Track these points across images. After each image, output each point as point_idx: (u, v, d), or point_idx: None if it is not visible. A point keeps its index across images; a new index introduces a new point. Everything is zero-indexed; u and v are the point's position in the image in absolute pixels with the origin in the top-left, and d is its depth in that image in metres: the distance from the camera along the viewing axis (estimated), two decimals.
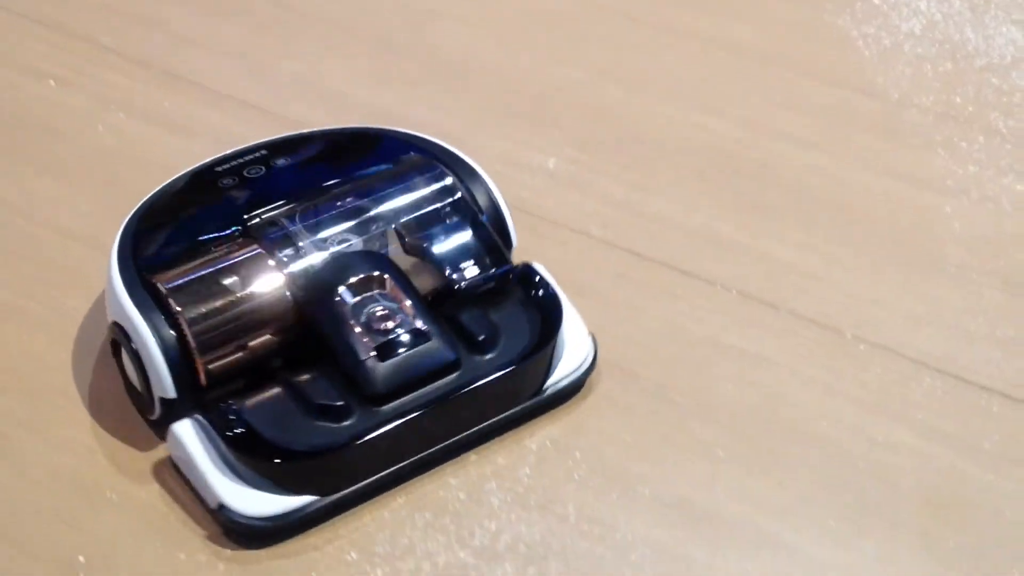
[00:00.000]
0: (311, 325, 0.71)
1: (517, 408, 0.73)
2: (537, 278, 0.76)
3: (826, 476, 0.71)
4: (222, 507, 0.68)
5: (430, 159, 0.79)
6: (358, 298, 0.72)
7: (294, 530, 0.68)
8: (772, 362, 0.77)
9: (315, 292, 0.71)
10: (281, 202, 0.76)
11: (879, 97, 0.96)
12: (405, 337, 0.71)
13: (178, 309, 0.69)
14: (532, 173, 0.90)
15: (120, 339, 0.71)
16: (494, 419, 0.72)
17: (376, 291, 0.72)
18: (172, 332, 0.69)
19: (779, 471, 0.72)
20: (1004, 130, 0.93)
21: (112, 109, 0.95)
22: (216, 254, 0.72)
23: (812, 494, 0.71)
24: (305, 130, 0.84)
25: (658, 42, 1.02)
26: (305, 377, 0.70)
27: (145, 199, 0.78)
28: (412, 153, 0.80)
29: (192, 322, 0.69)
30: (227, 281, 0.71)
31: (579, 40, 1.02)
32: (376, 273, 0.72)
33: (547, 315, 0.75)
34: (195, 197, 0.79)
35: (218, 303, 0.70)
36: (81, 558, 0.67)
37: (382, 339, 0.70)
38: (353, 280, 0.72)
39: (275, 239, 0.73)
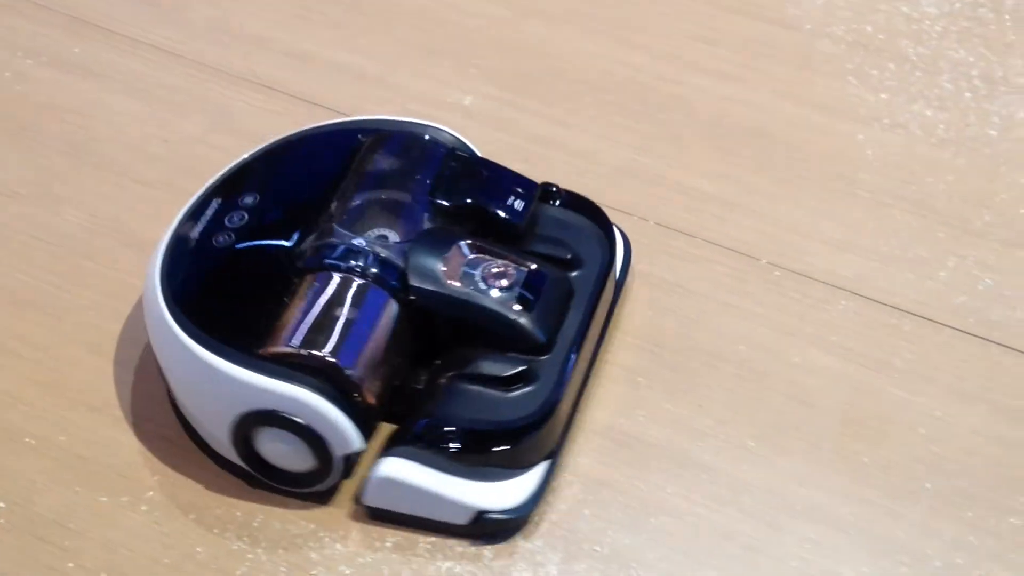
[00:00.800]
0: (435, 314, 0.69)
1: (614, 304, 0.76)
2: (554, 188, 0.77)
3: (744, 399, 0.73)
4: (481, 515, 0.67)
5: (393, 130, 0.77)
6: (461, 270, 0.70)
7: (539, 503, 0.69)
8: (689, 290, 0.79)
9: (422, 283, 0.69)
10: (299, 227, 0.72)
11: (793, 28, 0.97)
12: (527, 283, 0.70)
13: (331, 360, 0.65)
14: (451, 111, 0.90)
15: (264, 426, 0.66)
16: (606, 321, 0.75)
17: (469, 257, 0.71)
18: (330, 385, 0.65)
19: (698, 395, 0.73)
20: (914, 57, 0.94)
21: (19, 56, 0.94)
22: (300, 298, 0.68)
23: (730, 416, 0.72)
24: (243, 156, 0.78)
25: None
26: (466, 362, 0.69)
27: (158, 299, 0.70)
28: (367, 135, 0.77)
29: (343, 360, 0.66)
30: (334, 311, 0.67)
31: None
32: (459, 242, 0.71)
33: (589, 214, 0.76)
34: (206, 265, 0.72)
35: (344, 331, 0.67)
36: None
37: (512, 294, 0.69)
38: (445, 257, 0.70)
39: (337, 256, 0.69)
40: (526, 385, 0.68)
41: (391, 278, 0.69)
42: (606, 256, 0.74)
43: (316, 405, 0.65)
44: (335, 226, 0.71)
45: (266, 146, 0.79)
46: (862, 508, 0.69)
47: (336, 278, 0.68)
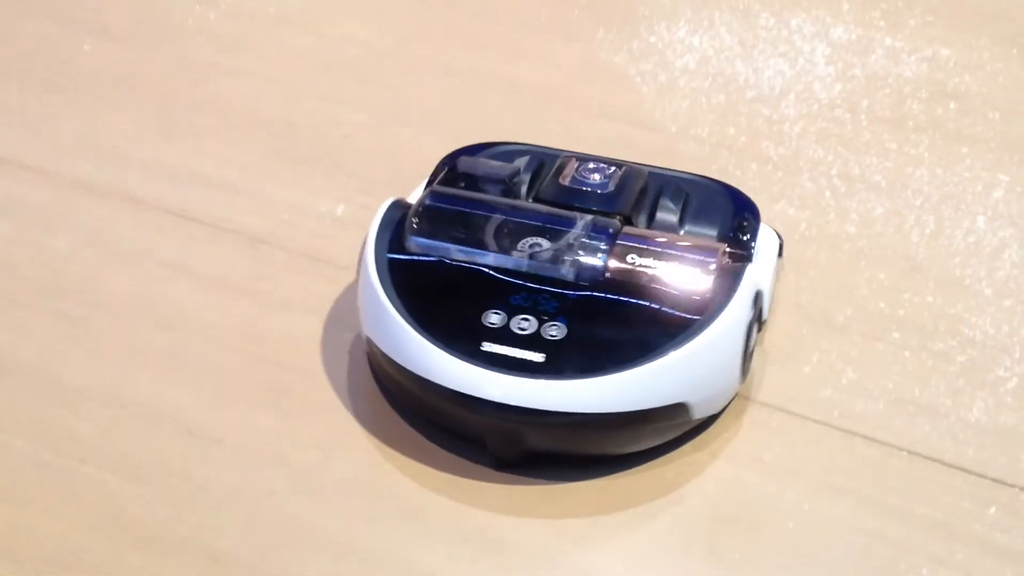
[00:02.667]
0: None
1: None
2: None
3: (613, 496, 0.73)
4: None
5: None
6: None
7: None
8: None
9: None
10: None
11: (658, 130, 0.99)
12: None
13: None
14: (321, 220, 0.91)
15: None
16: None
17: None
18: None
19: (570, 496, 0.74)
20: (775, 157, 0.97)
21: None
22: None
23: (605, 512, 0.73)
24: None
25: (444, 82, 1.04)
26: None
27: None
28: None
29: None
30: None
31: (362, 83, 1.03)
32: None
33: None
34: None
35: None
36: None
37: None
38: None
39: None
40: None
41: None
42: None
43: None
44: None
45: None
46: None
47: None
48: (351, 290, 0.85)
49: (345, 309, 0.84)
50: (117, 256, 0.88)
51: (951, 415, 0.78)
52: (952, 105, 1.01)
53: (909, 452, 0.76)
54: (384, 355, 0.75)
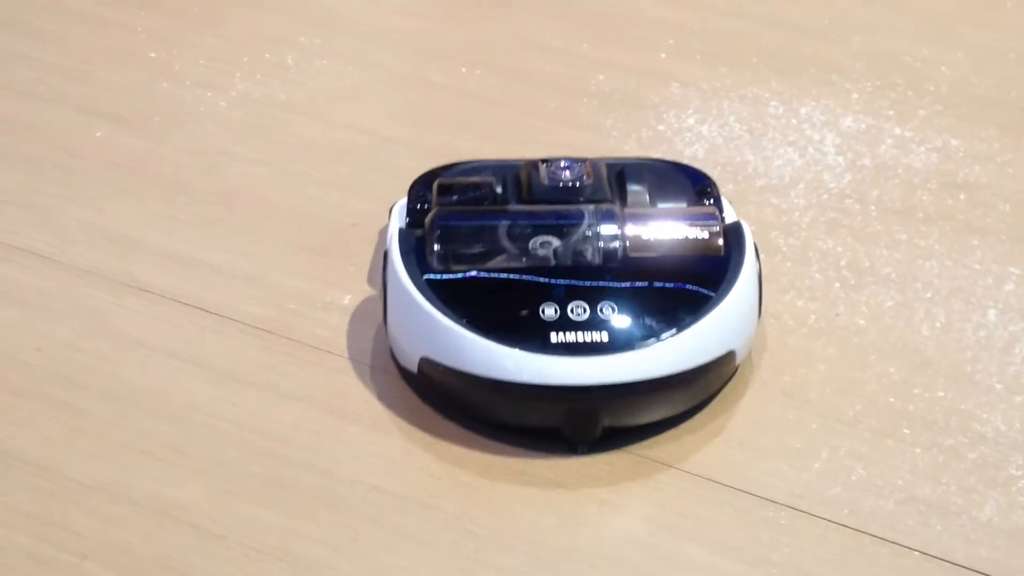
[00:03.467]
0: None
1: None
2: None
3: None
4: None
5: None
6: None
7: None
8: None
9: None
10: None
11: None
12: None
13: None
14: (328, 311, 0.90)
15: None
16: None
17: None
18: None
19: None
20: (785, 248, 0.96)
21: None
22: None
23: None
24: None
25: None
26: None
27: None
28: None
29: None
30: None
31: (371, 171, 1.03)
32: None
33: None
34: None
35: None
36: None
37: None
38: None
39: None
40: None
41: None
42: None
43: None
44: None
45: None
46: None
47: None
48: (358, 380, 0.85)
49: (352, 402, 0.83)
50: (123, 346, 0.87)
51: (962, 514, 0.77)
52: (962, 196, 1.01)
53: (921, 552, 0.75)
54: (454, 371, 0.79)
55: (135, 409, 0.83)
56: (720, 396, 0.84)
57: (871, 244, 0.97)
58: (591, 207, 0.86)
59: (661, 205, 0.88)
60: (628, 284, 0.81)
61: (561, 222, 0.85)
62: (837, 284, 0.93)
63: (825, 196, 1.01)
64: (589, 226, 0.84)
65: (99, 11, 1.21)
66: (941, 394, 0.85)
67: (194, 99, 1.10)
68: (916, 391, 0.85)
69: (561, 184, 0.88)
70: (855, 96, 1.12)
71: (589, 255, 0.83)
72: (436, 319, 0.79)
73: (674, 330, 0.79)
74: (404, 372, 0.84)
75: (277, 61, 1.15)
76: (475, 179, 0.90)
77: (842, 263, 0.95)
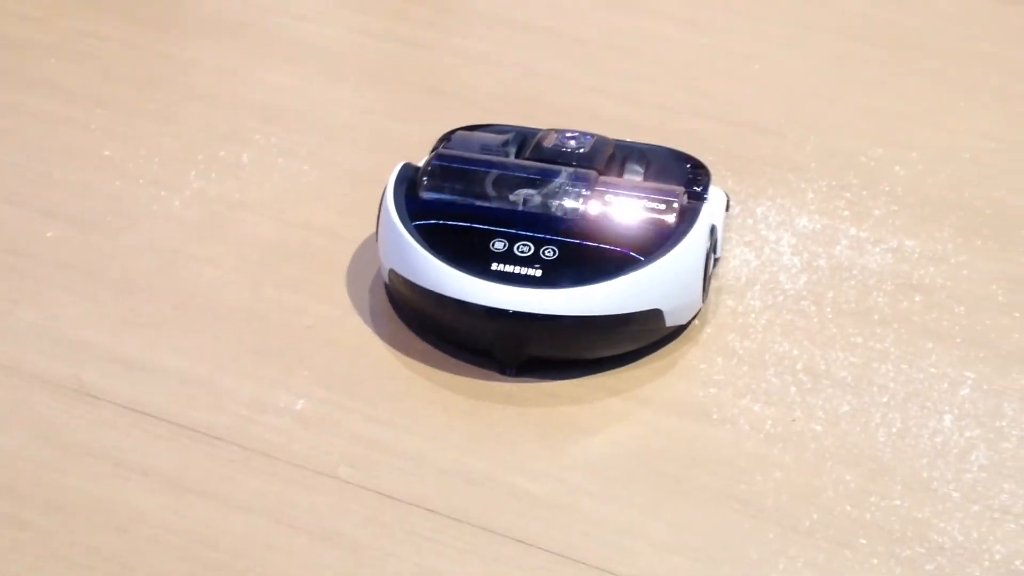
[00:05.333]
0: None
1: None
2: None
3: None
4: None
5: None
6: None
7: None
8: None
9: None
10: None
11: None
12: None
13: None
14: (281, 415, 0.89)
15: None
16: None
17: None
18: None
19: None
20: (740, 351, 0.96)
21: None
22: None
23: None
24: None
25: None
26: None
27: None
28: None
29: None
30: None
31: (325, 272, 1.02)
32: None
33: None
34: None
35: None
36: None
37: None
38: None
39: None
40: None
41: None
42: None
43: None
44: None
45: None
46: None
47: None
48: (310, 489, 0.84)
49: (304, 512, 0.82)
50: (69, 454, 0.86)
51: None
52: (917, 298, 1.01)
53: None
54: (406, 281, 0.93)
55: (79, 521, 0.81)
56: (676, 507, 0.83)
57: (827, 347, 0.96)
58: (570, 169, 0.98)
59: (653, 184, 0.99)
60: (575, 239, 0.93)
61: (538, 176, 0.97)
62: (793, 388, 0.93)
63: (781, 297, 1.01)
64: (561, 184, 0.96)
65: (53, 108, 1.20)
66: (898, 502, 0.84)
67: (148, 198, 1.10)
68: (873, 499, 0.84)
69: (561, 150, 1.00)
70: (811, 195, 1.12)
71: (553, 208, 0.95)
72: (403, 237, 0.93)
73: (601, 282, 0.90)
74: (385, 286, 0.98)
75: (232, 159, 1.14)
76: (490, 134, 1.03)
77: (798, 366, 0.94)
